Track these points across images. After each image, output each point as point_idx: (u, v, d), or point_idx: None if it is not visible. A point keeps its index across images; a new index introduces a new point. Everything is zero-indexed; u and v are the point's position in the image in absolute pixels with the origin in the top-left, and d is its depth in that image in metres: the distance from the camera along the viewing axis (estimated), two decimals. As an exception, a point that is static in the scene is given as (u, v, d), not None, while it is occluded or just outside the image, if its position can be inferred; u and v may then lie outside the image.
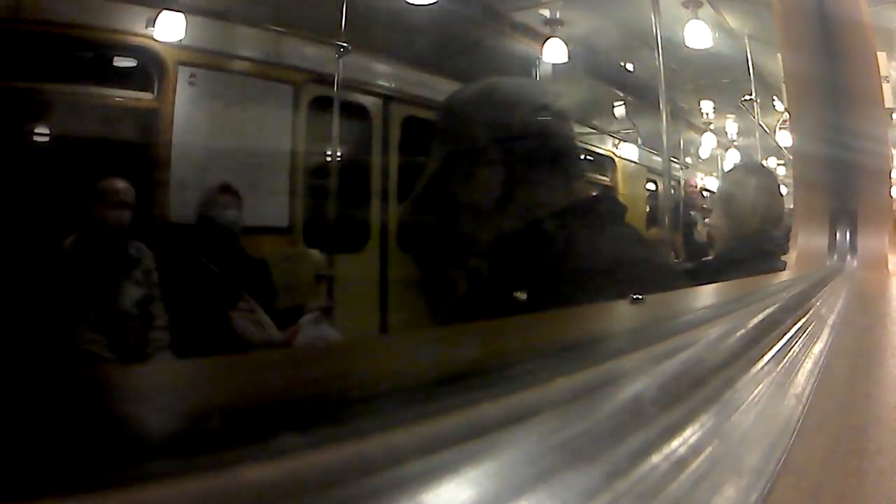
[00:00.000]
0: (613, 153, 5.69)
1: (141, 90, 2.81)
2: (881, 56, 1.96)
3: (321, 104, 3.25)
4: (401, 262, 3.42)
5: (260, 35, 3.08)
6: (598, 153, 5.56)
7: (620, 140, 5.71)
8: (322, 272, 3.12)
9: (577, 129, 4.80)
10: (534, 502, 0.17)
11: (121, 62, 2.81)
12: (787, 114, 3.01)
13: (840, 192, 1.39)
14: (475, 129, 0.86)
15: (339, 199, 3.26)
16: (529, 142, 0.85)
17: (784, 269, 1.47)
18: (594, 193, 0.90)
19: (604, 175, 5.62)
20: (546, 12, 4.03)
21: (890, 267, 1.36)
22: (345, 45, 3.07)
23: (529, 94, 0.89)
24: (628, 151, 5.82)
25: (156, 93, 2.82)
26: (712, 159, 6.95)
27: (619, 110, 5.42)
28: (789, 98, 1.64)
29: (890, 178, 1.51)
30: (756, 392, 0.34)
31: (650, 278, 0.81)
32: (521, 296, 0.75)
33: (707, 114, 6.17)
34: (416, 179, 0.91)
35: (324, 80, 3.20)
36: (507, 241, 0.84)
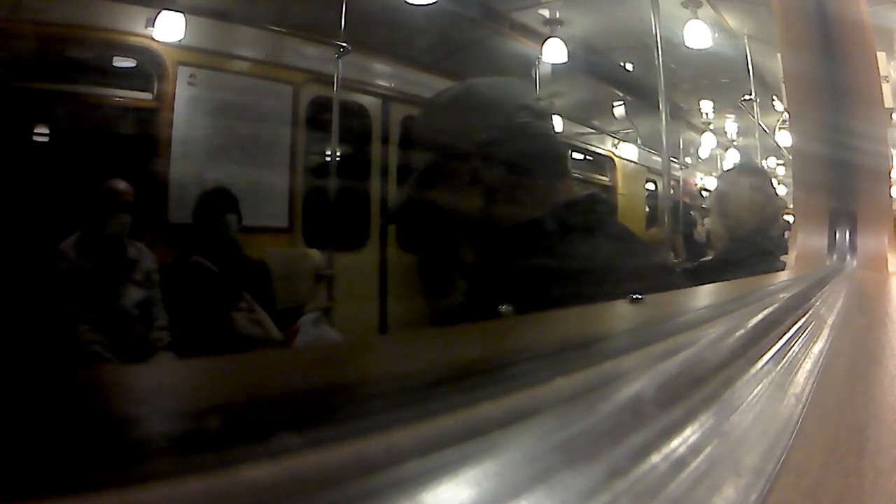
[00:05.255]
0: (613, 153, 5.69)
1: (141, 90, 2.81)
2: (881, 56, 1.96)
3: (321, 104, 3.25)
4: (400, 262, 3.43)
5: (260, 35, 3.08)
6: (597, 153, 5.56)
7: (620, 140, 5.71)
8: (322, 272, 3.12)
9: (577, 129, 4.79)
10: (533, 502, 0.17)
11: (121, 62, 2.81)
12: (786, 114, 3.01)
13: (840, 192, 1.39)
14: (454, 134, 0.84)
15: (339, 198, 3.26)
16: (509, 144, 0.83)
17: (783, 269, 1.47)
18: (583, 194, 0.88)
19: (603, 175, 5.63)
20: (546, 12, 4.04)
21: (890, 267, 1.36)
22: (345, 45, 3.07)
23: (508, 95, 0.87)
24: (628, 151, 5.82)
25: (156, 93, 2.82)
26: (712, 159, 6.96)
27: (619, 110, 5.42)
28: (789, 98, 1.64)
29: (890, 178, 1.51)
30: (755, 392, 0.34)
31: (644, 278, 0.81)
32: (509, 305, 0.74)
33: (706, 114, 6.17)
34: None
35: (323, 80, 3.20)
36: (495, 245, 0.84)
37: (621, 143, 5.74)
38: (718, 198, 1.84)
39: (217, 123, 2.93)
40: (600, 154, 5.59)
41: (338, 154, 3.29)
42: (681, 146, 6.01)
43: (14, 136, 2.52)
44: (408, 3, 3.16)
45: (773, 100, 5.01)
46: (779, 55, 1.71)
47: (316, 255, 3.18)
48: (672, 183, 4.07)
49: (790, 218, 1.83)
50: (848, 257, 1.38)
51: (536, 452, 0.18)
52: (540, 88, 3.94)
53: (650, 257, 0.98)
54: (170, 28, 2.76)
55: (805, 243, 1.42)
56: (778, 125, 5.42)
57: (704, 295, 0.73)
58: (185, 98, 2.84)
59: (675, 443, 0.24)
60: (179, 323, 2.33)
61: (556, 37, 4.09)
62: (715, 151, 6.84)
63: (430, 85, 3.58)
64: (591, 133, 5.43)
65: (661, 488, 0.21)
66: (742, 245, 1.69)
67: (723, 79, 5.07)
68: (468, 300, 0.86)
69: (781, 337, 0.46)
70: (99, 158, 2.60)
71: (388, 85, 3.61)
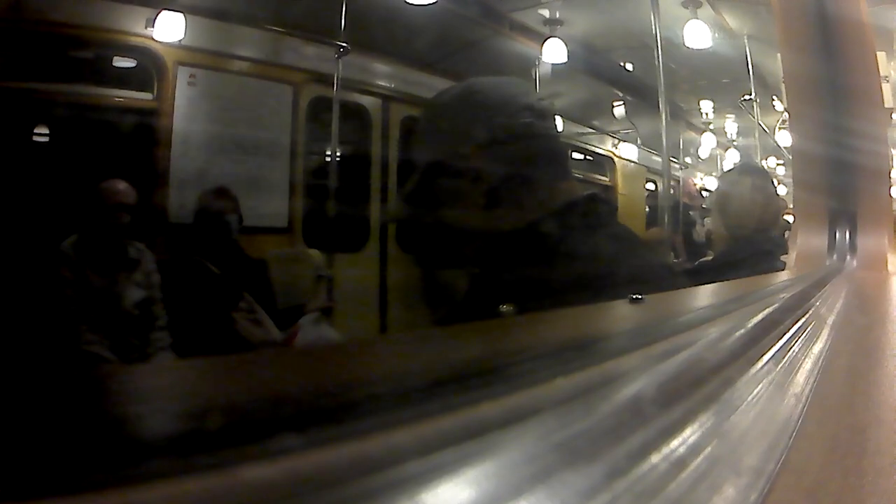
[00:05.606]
0: (613, 153, 5.69)
1: (141, 90, 2.81)
2: (881, 56, 1.96)
3: (321, 104, 3.25)
4: (400, 263, 3.42)
5: (260, 35, 3.08)
6: (597, 153, 5.56)
7: (620, 140, 5.71)
8: (322, 272, 3.12)
9: (577, 129, 4.77)
10: (533, 502, 0.17)
11: (121, 62, 2.81)
12: (786, 114, 3.01)
13: (840, 192, 1.39)
14: (456, 133, 0.84)
15: (339, 199, 3.26)
16: (512, 144, 0.83)
17: (783, 269, 1.47)
18: (584, 194, 0.88)
19: (603, 175, 5.63)
20: (546, 12, 4.03)
21: (890, 267, 1.36)
22: (345, 45, 3.07)
23: (511, 95, 0.87)
24: (628, 151, 5.82)
25: (156, 93, 2.82)
26: (712, 159, 6.96)
27: (619, 110, 5.42)
28: (789, 98, 1.64)
29: (890, 178, 1.51)
30: (755, 392, 0.34)
31: (644, 278, 0.81)
32: (510, 305, 0.74)
33: (707, 114, 6.17)
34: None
35: (323, 80, 3.20)
36: (497, 245, 0.84)
37: (621, 143, 5.73)
38: (719, 198, 1.84)
39: (217, 123, 2.93)
40: (600, 154, 5.59)
41: (338, 154, 3.29)
42: (681, 146, 6.01)
43: (14, 136, 2.52)
44: (408, 3, 3.16)
45: (773, 100, 5.01)
46: (779, 55, 1.71)
47: (316, 255, 3.18)
48: (672, 183, 4.06)
49: (790, 218, 1.83)
50: (848, 257, 1.38)
51: (536, 452, 0.18)
52: (540, 88, 3.93)
53: (652, 258, 0.98)
54: (170, 28, 2.76)
55: (805, 243, 1.43)
56: (778, 125, 5.41)
57: (704, 295, 0.73)
58: (184, 98, 2.84)
59: (675, 443, 0.24)
60: (180, 323, 2.33)
61: (556, 37, 4.09)
62: (715, 151, 6.84)
63: (430, 85, 3.58)
64: (591, 133, 5.43)
65: (661, 488, 0.21)
66: (742, 245, 1.69)
67: (723, 79, 5.07)
68: (469, 300, 0.86)
69: (781, 337, 0.46)
70: (99, 158, 2.60)
71: (388, 85, 3.61)
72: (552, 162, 0.87)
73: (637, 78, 4.81)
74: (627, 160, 5.81)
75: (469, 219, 0.84)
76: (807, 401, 0.36)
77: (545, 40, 4.09)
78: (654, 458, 0.22)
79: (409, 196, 0.89)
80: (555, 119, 0.90)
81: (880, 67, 1.85)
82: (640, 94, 4.89)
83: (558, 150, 0.91)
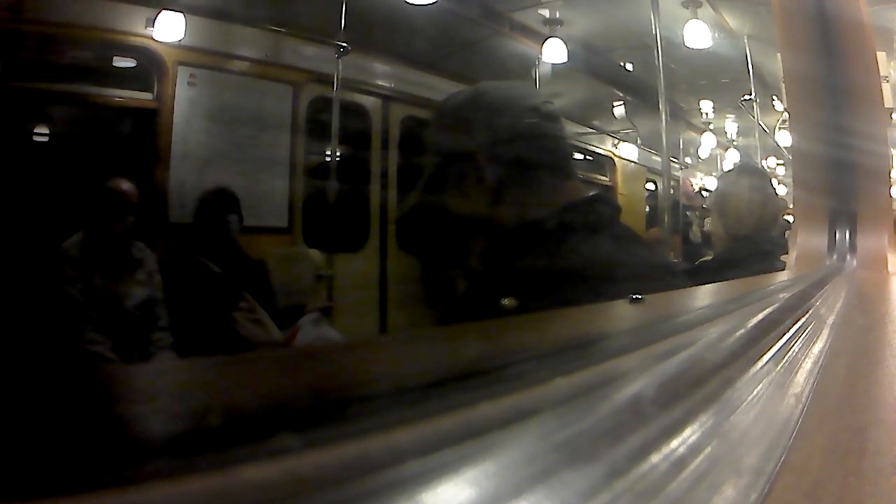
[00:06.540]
0: (613, 153, 5.69)
1: (141, 90, 2.81)
2: (881, 56, 1.96)
3: (321, 104, 3.25)
4: (400, 262, 3.42)
5: (260, 35, 3.08)
6: (597, 153, 5.56)
7: (620, 140, 5.71)
8: (322, 272, 3.12)
9: (577, 129, 4.78)
10: (533, 502, 0.17)
11: (121, 62, 2.81)
12: (786, 114, 3.01)
13: (840, 192, 1.39)
14: (465, 136, 0.86)
15: (339, 199, 3.26)
16: (519, 145, 0.85)
17: (783, 269, 1.47)
18: (588, 194, 0.90)
19: (603, 175, 5.62)
20: (546, 12, 4.03)
21: (890, 267, 1.36)
22: (345, 45, 3.07)
23: (519, 98, 0.89)
24: (628, 151, 5.82)
25: (156, 93, 2.81)
26: (712, 159, 6.95)
27: (619, 110, 5.41)
28: (789, 98, 1.64)
29: (890, 178, 1.51)
30: (755, 392, 0.34)
31: (646, 278, 0.81)
32: (513, 301, 0.75)
33: (707, 114, 6.17)
34: (413, 180, 0.92)
35: (323, 80, 3.20)
36: (501, 245, 0.85)
37: (621, 143, 5.73)
38: (718, 198, 1.84)
39: (217, 123, 2.93)
40: (600, 154, 5.59)
41: (338, 154, 3.29)
42: (681, 146, 6.00)
43: (15, 137, 2.52)
44: (408, 3, 3.16)
45: (773, 100, 5.01)
46: (779, 55, 1.71)
47: (316, 255, 3.18)
48: (672, 183, 4.06)
49: (790, 218, 1.83)
50: (848, 257, 1.38)
51: (536, 452, 0.18)
52: (540, 88, 3.93)
53: (653, 258, 0.99)
54: (170, 28, 2.76)
55: (805, 243, 1.42)
56: (778, 125, 5.41)
57: (704, 295, 0.73)
58: (185, 98, 2.84)
59: (675, 443, 0.24)
60: (181, 323, 2.33)
61: (556, 37, 4.09)
62: (715, 151, 6.84)
63: (429, 85, 3.58)
64: (591, 133, 5.43)
65: (661, 488, 0.21)
66: (742, 245, 1.69)
67: (723, 79, 5.07)
68: (471, 298, 0.87)
69: (781, 337, 0.46)
70: (99, 158, 2.60)
71: (388, 85, 3.61)
72: (557, 162, 0.88)
73: (637, 78, 4.80)
74: (627, 160, 5.81)
75: (475, 218, 0.86)
76: (807, 401, 0.36)
77: (545, 40, 4.09)
78: (654, 458, 0.22)
79: (419, 197, 0.91)
80: (560, 121, 0.92)
81: (880, 67, 1.85)
82: (640, 94, 4.88)
83: (563, 150, 0.93)
